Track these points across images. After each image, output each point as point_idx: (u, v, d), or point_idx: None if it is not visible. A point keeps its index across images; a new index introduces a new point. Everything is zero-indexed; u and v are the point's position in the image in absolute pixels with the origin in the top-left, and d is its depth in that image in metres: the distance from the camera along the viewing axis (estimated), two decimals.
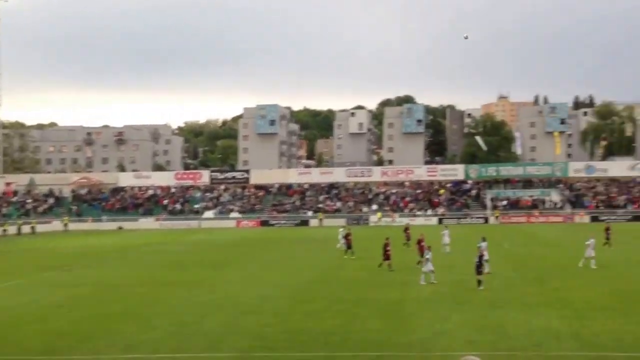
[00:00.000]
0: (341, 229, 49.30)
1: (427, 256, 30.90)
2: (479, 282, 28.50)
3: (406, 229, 49.79)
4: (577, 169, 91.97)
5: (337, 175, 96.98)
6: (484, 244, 33.84)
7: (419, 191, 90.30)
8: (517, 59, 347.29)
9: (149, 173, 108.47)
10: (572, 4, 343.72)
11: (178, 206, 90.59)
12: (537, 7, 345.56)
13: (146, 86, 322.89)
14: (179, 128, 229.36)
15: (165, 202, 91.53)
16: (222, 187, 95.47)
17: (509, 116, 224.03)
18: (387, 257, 35.64)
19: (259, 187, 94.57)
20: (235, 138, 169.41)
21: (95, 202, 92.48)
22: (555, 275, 32.48)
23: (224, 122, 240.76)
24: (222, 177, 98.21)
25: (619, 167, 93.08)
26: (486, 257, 33.00)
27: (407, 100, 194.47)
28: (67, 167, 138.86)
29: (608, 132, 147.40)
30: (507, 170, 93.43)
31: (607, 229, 45.78)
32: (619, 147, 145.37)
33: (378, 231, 63.93)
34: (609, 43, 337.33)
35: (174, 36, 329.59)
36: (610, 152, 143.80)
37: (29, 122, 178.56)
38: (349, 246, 42.37)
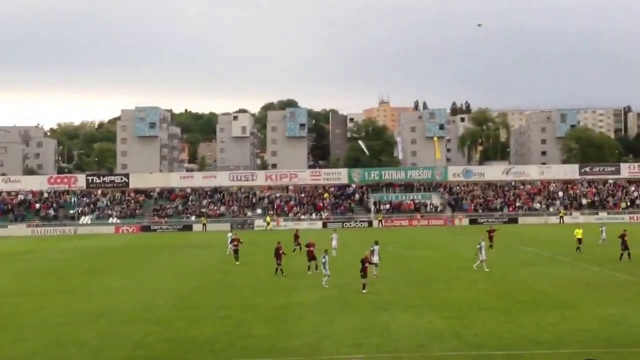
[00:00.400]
0: (230, 234, 48.82)
1: (323, 260, 31.09)
2: (364, 286, 28.96)
3: (296, 234, 49.10)
4: (455, 173, 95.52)
5: (221, 179, 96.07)
6: (376, 248, 34.40)
7: (303, 195, 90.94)
8: (397, 65, 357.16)
9: (19, 177, 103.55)
10: (447, 17, 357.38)
11: (52, 212, 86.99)
12: (415, 17, 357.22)
13: (14, 85, 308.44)
14: (52, 130, 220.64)
15: (38, 207, 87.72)
16: (100, 191, 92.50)
17: (390, 121, 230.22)
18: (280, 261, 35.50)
19: (139, 192, 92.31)
20: (113, 141, 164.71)
21: None
22: (438, 277, 33.49)
23: (101, 124, 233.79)
24: (99, 181, 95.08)
25: (494, 172, 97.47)
26: (377, 260, 33.63)
27: (290, 104, 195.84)
28: None
29: (484, 137, 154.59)
30: (390, 174, 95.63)
31: (491, 231, 47.03)
32: (495, 152, 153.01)
33: (264, 236, 63.89)
34: (483, 52, 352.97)
35: (46, 33, 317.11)
36: (486, 157, 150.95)
37: None
38: (235, 251, 41.98)
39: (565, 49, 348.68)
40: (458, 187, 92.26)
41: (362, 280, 29.09)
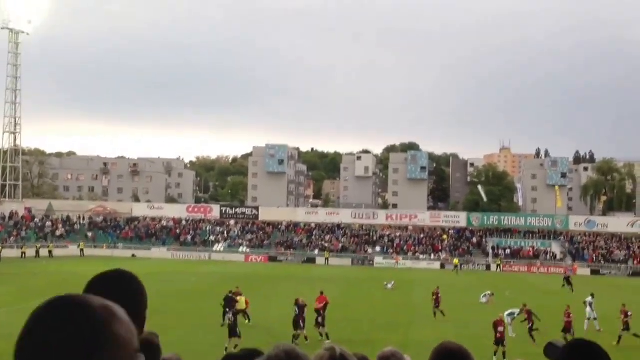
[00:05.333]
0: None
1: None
2: (497, 352, 28.24)
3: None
4: (577, 222, 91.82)
5: (343, 216, 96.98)
6: (590, 300, 33.53)
7: (422, 236, 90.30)
8: (518, 112, 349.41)
9: (162, 205, 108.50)
10: (574, 64, 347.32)
11: (189, 238, 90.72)
12: (540, 64, 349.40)
13: (160, 121, 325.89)
14: (191, 162, 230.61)
15: (177, 232, 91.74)
16: (232, 222, 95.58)
17: (511, 167, 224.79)
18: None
19: (267, 224, 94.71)
20: (245, 175, 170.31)
21: (110, 229, 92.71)
22: (556, 326, 32.32)
23: (234, 159, 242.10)
24: (232, 212, 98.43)
25: (619, 223, 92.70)
26: (593, 315, 32.67)
27: (412, 147, 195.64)
28: (84, 195, 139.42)
29: (608, 188, 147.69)
30: (509, 220, 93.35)
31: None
32: (619, 203, 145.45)
33: (381, 273, 63.83)
34: (608, 102, 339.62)
35: (189, 75, 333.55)
36: (610, 208, 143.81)
37: (48, 150, 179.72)
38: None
39: None
40: (580, 237, 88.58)
41: (495, 348, 25.20)
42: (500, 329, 25.60)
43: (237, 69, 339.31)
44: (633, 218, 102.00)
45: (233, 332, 24.67)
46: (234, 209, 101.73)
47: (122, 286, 2.41)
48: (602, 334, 29.98)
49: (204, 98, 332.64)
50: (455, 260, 78.71)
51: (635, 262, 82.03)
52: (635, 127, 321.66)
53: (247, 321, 31.71)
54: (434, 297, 35.46)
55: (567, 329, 28.19)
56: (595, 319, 32.49)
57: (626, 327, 29.12)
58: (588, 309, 32.95)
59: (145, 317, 2.45)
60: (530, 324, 29.11)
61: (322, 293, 30.56)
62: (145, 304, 2.48)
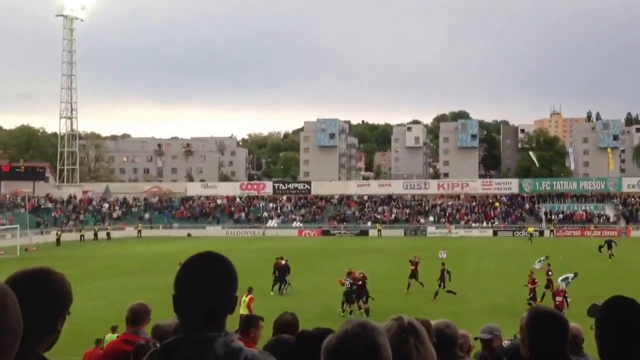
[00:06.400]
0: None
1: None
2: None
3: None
4: (630, 184, 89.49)
5: (395, 187, 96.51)
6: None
7: (474, 204, 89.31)
8: (569, 75, 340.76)
9: (216, 183, 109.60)
10: (623, 23, 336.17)
11: (243, 215, 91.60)
12: (588, 26, 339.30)
13: (212, 100, 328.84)
14: (243, 140, 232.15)
15: (231, 210, 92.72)
16: (285, 197, 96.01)
17: (562, 132, 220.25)
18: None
19: (319, 198, 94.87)
20: (297, 150, 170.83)
21: (165, 210, 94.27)
22: (607, 291, 31.67)
23: (286, 135, 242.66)
24: (284, 188, 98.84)
25: None
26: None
27: (462, 115, 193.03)
28: (139, 177, 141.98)
29: None
30: (561, 185, 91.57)
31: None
32: None
33: (434, 242, 63.50)
34: None
35: (239, 57, 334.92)
36: None
37: (103, 133, 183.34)
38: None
39: None
40: (633, 199, 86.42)
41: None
42: (559, 298, 24.80)
43: (286, 46, 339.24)
44: None
45: (349, 298, 27.49)
46: (286, 184, 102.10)
47: (209, 267, 2.58)
48: None
49: (255, 76, 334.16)
50: (530, 229, 76.57)
51: None
52: None
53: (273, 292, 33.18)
54: (412, 266, 34.03)
55: (532, 297, 27.21)
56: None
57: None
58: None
59: (231, 296, 2.59)
60: None
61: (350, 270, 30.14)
62: (233, 284, 2.63)
